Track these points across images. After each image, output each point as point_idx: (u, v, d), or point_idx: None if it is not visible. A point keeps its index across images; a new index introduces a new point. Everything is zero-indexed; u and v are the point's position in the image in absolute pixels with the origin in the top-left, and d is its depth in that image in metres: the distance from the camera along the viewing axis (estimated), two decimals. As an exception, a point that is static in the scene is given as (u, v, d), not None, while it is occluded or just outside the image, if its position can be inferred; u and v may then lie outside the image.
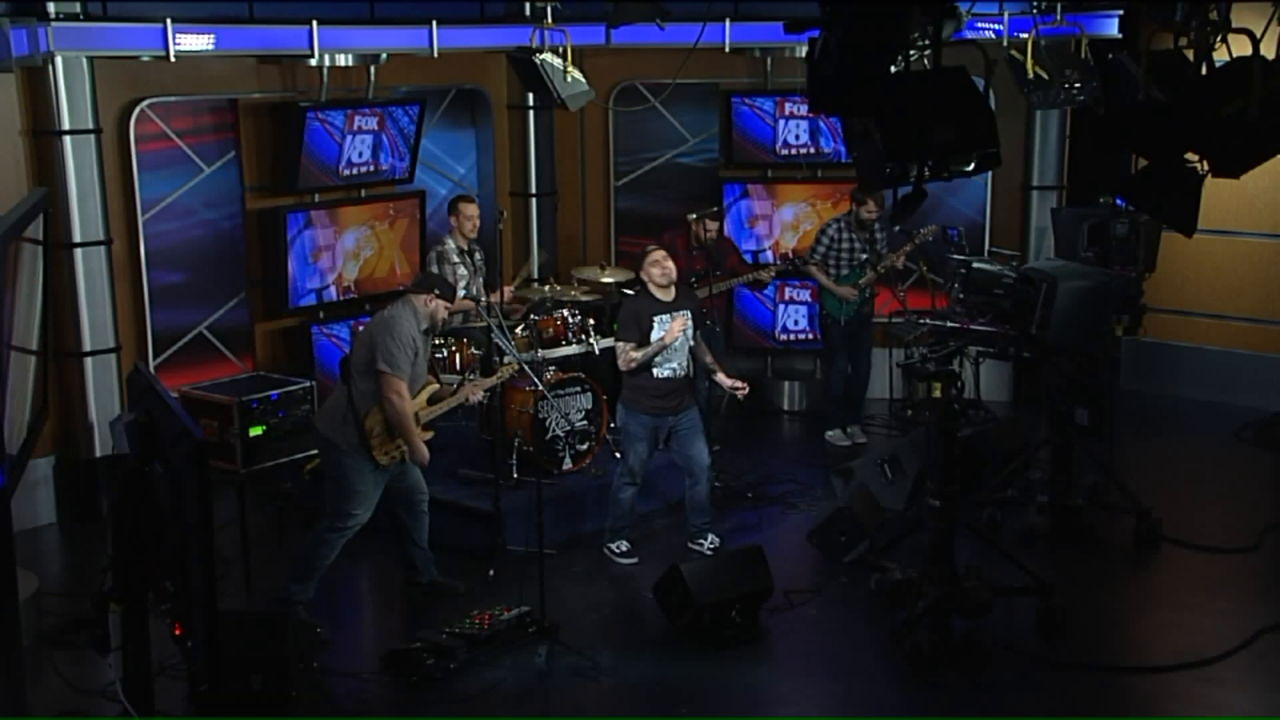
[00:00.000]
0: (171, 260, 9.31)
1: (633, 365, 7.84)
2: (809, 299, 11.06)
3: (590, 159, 11.57)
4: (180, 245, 9.35)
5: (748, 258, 10.74)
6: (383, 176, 10.36)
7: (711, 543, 8.18)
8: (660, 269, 7.91)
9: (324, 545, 7.16)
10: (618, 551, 8.16)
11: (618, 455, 8.46)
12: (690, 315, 7.95)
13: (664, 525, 8.68)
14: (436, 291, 7.23)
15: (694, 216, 9.41)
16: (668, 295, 7.95)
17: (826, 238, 10.06)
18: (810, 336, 11.23)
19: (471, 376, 8.65)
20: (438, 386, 7.33)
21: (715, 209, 9.82)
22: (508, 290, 9.29)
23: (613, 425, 8.64)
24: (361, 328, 7.28)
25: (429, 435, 7.27)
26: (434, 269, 9.12)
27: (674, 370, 7.92)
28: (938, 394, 7.00)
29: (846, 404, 10.39)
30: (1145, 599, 7.85)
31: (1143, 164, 6.08)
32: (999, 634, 7.02)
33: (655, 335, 7.84)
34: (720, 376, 8.17)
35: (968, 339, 7.75)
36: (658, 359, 7.86)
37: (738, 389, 8.09)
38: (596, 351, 8.97)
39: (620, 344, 7.94)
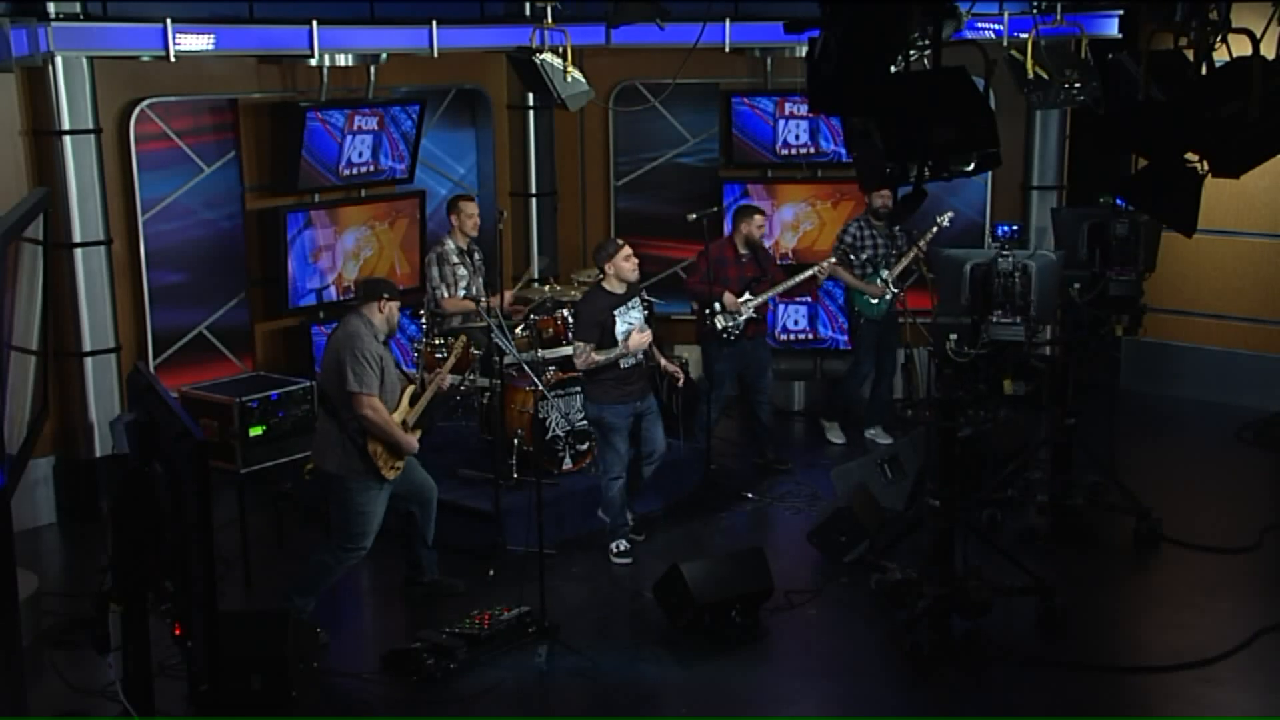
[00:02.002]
0: (171, 260, 9.30)
1: (593, 366, 7.91)
2: (809, 299, 11.05)
3: (590, 159, 11.57)
4: (180, 245, 9.35)
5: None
6: (383, 176, 10.36)
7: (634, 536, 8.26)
8: (632, 263, 7.98)
9: (336, 565, 7.12)
10: (616, 551, 8.16)
11: (593, 471, 8.48)
12: (639, 305, 8.09)
13: (664, 525, 8.68)
14: (385, 295, 7.08)
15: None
16: (621, 289, 8.00)
17: (849, 236, 10.03)
18: (810, 336, 11.22)
19: (472, 376, 8.66)
20: (413, 386, 7.30)
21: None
22: (508, 295, 9.27)
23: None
24: (324, 354, 7.18)
25: (418, 434, 7.21)
26: (433, 270, 9.12)
27: (637, 359, 8.03)
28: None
29: (872, 404, 10.35)
30: (1145, 599, 7.85)
31: (1143, 164, 6.08)
32: (999, 634, 7.00)
33: (620, 329, 7.90)
34: (662, 362, 8.42)
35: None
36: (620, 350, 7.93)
37: (675, 375, 8.43)
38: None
39: (580, 344, 7.97)
